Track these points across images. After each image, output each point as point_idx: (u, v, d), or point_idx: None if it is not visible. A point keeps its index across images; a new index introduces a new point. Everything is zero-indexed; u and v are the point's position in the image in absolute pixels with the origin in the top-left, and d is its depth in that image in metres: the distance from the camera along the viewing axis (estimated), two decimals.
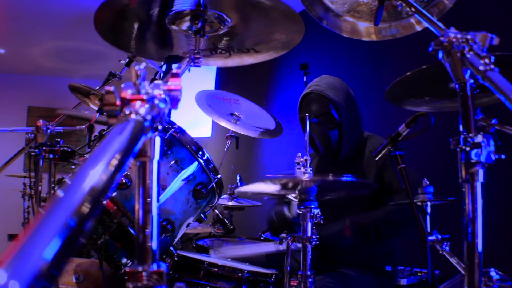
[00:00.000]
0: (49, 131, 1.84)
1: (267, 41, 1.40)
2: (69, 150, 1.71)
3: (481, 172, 0.73)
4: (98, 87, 2.52)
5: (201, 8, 1.24)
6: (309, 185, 1.30)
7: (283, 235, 1.36)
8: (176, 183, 1.40)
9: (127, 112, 0.59)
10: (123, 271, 1.39)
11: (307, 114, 1.52)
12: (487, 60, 0.74)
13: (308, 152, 1.45)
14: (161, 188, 1.36)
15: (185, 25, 1.32)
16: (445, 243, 1.37)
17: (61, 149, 1.70)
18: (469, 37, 0.77)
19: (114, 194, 1.32)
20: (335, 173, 1.96)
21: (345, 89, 1.96)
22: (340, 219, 1.76)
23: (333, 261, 1.87)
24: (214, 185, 1.47)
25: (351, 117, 1.92)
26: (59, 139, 1.74)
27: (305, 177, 1.30)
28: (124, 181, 1.32)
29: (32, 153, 1.74)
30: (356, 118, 1.95)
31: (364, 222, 1.75)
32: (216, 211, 2.78)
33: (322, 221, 1.33)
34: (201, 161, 1.43)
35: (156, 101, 0.63)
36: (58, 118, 2.18)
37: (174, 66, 1.24)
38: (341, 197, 1.83)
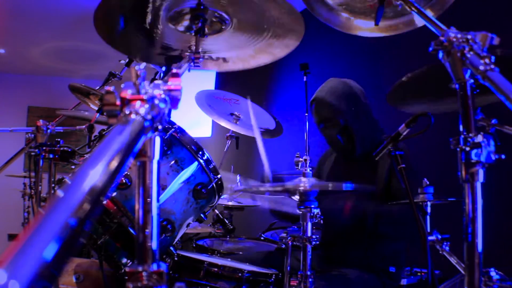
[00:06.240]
0: (49, 131, 1.84)
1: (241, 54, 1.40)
2: (69, 150, 1.71)
3: (481, 172, 0.73)
4: (98, 87, 2.52)
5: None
6: (309, 189, 1.30)
7: (283, 235, 1.36)
8: (176, 183, 1.39)
9: (127, 112, 0.59)
10: (123, 271, 1.39)
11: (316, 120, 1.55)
12: (487, 60, 0.74)
13: (308, 152, 1.45)
14: (161, 188, 1.36)
15: (184, 24, 1.32)
16: (445, 243, 1.37)
17: (61, 149, 1.70)
18: (469, 37, 0.77)
19: (114, 194, 1.32)
20: (350, 171, 1.96)
21: (349, 91, 1.93)
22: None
23: (334, 261, 1.87)
24: (214, 185, 1.47)
25: (359, 118, 1.91)
26: (59, 139, 1.74)
27: (304, 184, 1.30)
28: (124, 181, 1.32)
29: (32, 153, 1.74)
30: (366, 117, 1.93)
31: (366, 211, 1.73)
32: (216, 211, 2.77)
33: (322, 221, 1.33)
34: (201, 161, 1.43)
35: (156, 101, 0.63)
36: (58, 118, 2.18)
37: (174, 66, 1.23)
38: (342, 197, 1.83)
